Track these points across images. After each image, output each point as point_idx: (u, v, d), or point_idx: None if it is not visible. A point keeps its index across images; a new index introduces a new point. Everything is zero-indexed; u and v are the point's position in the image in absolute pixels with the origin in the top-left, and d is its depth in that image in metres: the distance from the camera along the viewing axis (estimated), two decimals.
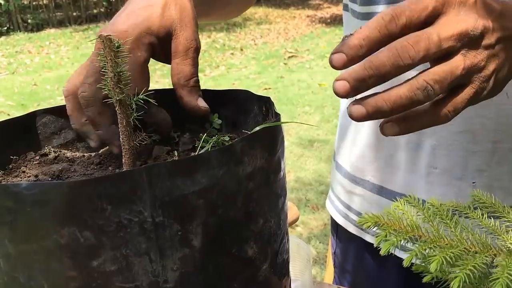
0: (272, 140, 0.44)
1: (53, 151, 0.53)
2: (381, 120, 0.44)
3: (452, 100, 0.43)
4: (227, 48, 6.68)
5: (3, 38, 7.83)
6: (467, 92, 0.43)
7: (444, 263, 0.32)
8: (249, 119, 0.55)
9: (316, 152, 3.47)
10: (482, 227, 0.38)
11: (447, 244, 0.35)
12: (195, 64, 0.53)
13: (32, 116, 0.54)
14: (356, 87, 0.40)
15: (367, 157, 0.83)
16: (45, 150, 0.53)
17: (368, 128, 0.83)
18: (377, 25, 0.41)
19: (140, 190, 0.35)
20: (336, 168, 0.97)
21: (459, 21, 0.41)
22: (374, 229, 0.84)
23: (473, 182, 0.73)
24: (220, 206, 0.38)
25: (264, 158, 0.42)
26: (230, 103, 0.57)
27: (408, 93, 0.40)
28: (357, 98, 0.42)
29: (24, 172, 0.49)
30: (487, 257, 0.34)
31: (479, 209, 0.41)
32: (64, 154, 0.54)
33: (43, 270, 0.35)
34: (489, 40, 0.42)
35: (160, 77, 5.14)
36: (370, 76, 0.40)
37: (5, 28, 8.17)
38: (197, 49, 0.53)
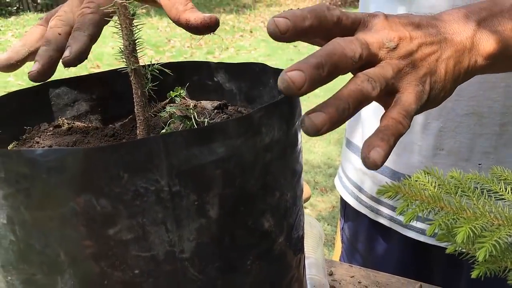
0: (290, 112, 0.43)
1: (67, 123, 0.53)
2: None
3: (399, 106, 0.43)
4: (236, 30, 6.64)
5: (13, 18, 7.83)
6: (409, 96, 0.44)
7: (471, 234, 0.32)
8: (264, 92, 0.54)
9: (325, 135, 3.46)
10: (505, 201, 0.38)
11: (470, 216, 0.34)
12: None
13: (45, 87, 0.53)
14: (313, 75, 0.38)
15: None
16: (59, 122, 0.53)
17: (376, 109, 0.82)
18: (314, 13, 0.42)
19: (156, 159, 0.34)
20: (347, 145, 0.97)
21: (373, 33, 0.43)
22: (389, 204, 0.84)
23: (479, 164, 0.74)
24: (237, 177, 0.38)
25: (281, 130, 0.41)
26: (245, 77, 0.56)
27: (356, 86, 0.40)
28: (307, 111, 0.40)
29: (38, 142, 0.48)
30: (511, 230, 0.33)
31: (502, 183, 0.40)
32: (77, 126, 0.53)
33: (59, 238, 0.35)
34: (408, 47, 0.44)
35: (169, 58, 5.12)
36: (324, 62, 0.39)
37: (15, 8, 8.17)
38: None
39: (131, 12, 0.42)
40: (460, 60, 0.46)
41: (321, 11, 0.41)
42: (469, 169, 0.73)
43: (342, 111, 0.39)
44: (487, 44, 0.47)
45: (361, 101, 0.41)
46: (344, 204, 1.00)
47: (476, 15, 0.48)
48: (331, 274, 0.76)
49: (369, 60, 0.43)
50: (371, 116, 0.85)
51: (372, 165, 0.39)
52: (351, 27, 0.44)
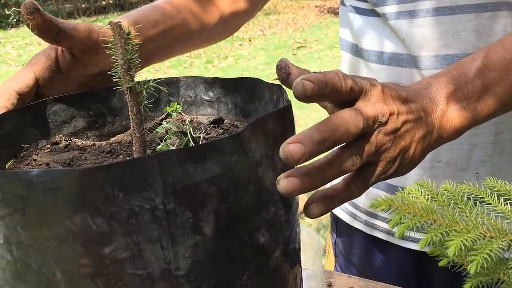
0: (282, 126, 0.43)
1: (64, 140, 0.53)
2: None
3: (361, 177, 0.47)
4: (235, 39, 6.66)
5: (12, 30, 7.87)
6: (374, 170, 0.47)
7: (462, 248, 0.32)
8: (259, 107, 0.55)
9: None
10: (498, 212, 0.38)
11: (462, 229, 0.35)
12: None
13: (42, 105, 0.54)
14: (312, 151, 0.40)
15: None
16: (56, 139, 0.53)
17: None
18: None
19: (151, 177, 0.35)
20: None
21: (372, 106, 0.45)
22: (385, 218, 0.84)
23: (477, 173, 0.75)
24: (231, 193, 0.38)
25: (275, 145, 0.42)
26: (240, 91, 0.57)
27: (338, 162, 0.43)
28: (284, 174, 0.42)
29: (35, 160, 0.49)
30: (503, 242, 0.34)
31: (495, 194, 0.40)
32: (75, 143, 0.54)
33: (55, 257, 0.35)
34: (394, 124, 0.46)
35: (169, 68, 5.14)
36: (326, 138, 0.41)
37: (15, 20, 8.21)
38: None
39: (126, 31, 0.42)
40: (428, 140, 0.50)
41: (339, 80, 0.43)
42: (466, 179, 0.74)
43: (315, 183, 0.42)
44: (452, 122, 0.51)
45: (337, 176, 0.44)
46: (336, 219, 1.00)
47: (444, 89, 0.51)
48: (330, 285, 0.77)
49: (363, 132, 0.45)
50: None
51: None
52: (356, 95, 0.46)
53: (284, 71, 0.47)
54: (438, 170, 0.77)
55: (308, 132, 0.41)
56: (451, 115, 0.51)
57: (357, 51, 0.84)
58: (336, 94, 0.44)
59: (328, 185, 0.54)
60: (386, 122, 0.46)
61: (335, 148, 0.44)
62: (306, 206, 0.45)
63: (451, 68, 0.54)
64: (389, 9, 0.74)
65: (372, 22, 0.79)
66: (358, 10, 0.81)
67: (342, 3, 0.88)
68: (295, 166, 0.41)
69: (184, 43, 0.72)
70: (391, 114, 0.46)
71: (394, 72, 0.76)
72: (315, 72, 0.44)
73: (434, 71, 0.70)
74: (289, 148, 0.39)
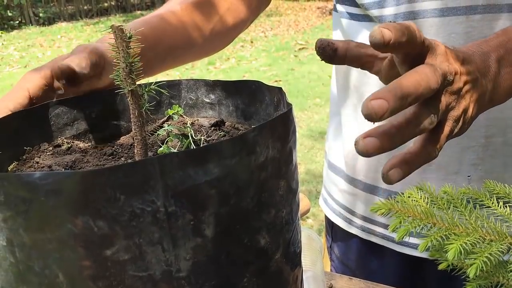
0: (284, 130, 0.44)
1: (66, 142, 0.54)
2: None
3: (435, 138, 0.47)
4: (237, 40, 6.66)
5: (15, 32, 7.89)
6: (444, 129, 0.47)
7: (462, 251, 0.32)
8: (260, 109, 0.55)
9: None
10: (498, 215, 0.38)
11: (462, 232, 0.35)
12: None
13: (45, 107, 0.54)
14: (396, 107, 0.40)
15: (361, 157, 0.83)
16: (58, 141, 0.54)
17: (360, 127, 0.83)
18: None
19: (152, 180, 0.35)
20: (329, 167, 0.97)
21: (440, 63, 0.45)
22: (382, 223, 0.85)
23: (468, 176, 0.75)
24: (232, 196, 0.38)
25: (276, 148, 0.42)
26: (241, 94, 0.57)
27: (417, 121, 0.43)
28: (363, 134, 0.42)
29: (37, 162, 0.49)
30: (502, 245, 0.34)
31: (494, 197, 0.40)
32: (77, 145, 0.54)
33: (57, 259, 0.35)
34: (458, 84, 0.46)
35: (170, 69, 5.14)
36: (409, 94, 0.40)
37: (17, 22, 8.23)
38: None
39: (128, 35, 0.42)
40: (482, 101, 0.50)
41: (414, 31, 0.43)
42: (459, 182, 0.75)
43: (395, 143, 0.42)
44: (503, 85, 0.52)
45: (416, 135, 0.44)
46: (330, 224, 0.99)
47: (495, 53, 0.51)
48: (331, 287, 0.77)
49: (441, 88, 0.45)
50: (351, 139, 0.86)
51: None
52: (425, 50, 0.46)
53: (329, 48, 0.46)
54: (430, 173, 0.77)
55: (391, 87, 0.40)
56: (503, 77, 0.51)
57: None
58: (411, 44, 0.43)
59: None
60: (452, 81, 0.46)
61: (410, 108, 0.43)
62: (385, 172, 0.44)
63: (499, 33, 0.54)
64: (383, 12, 0.74)
65: (365, 27, 0.79)
66: (351, 16, 0.81)
67: (335, 9, 0.88)
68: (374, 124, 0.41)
69: (176, 57, 0.72)
70: (456, 74, 0.46)
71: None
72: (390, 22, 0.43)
73: None
74: (371, 104, 0.39)
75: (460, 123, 0.48)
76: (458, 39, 0.70)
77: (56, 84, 0.55)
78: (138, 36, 0.44)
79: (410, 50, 0.45)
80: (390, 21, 0.43)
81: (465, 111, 0.48)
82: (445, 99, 0.46)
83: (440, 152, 0.76)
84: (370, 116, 0.39)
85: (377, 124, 0.41)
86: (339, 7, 0.85)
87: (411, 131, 0.42)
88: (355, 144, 0.41)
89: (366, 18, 0.78)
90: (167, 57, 0.71)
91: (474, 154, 0.74)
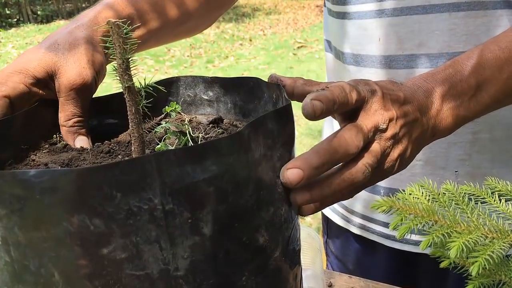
0: (282, 126, 0.43)
1: (62, 140, 0.53)
2: None
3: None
4: (236, 38, 6.66)
5: (13, 29, 7.87)
6: (383, 170, 0.49)
7: (464, 249, 0.32)
8: (259, 106, 0.55)
9: None
10: (500, 213, 0.38)
11: (464, 230, 0.34)
12: (78, 104, 0.53)
13: (41, 106, 0.53)
14: (311, 175, 0.42)
15: None
16: (55, 139, 0.53)
17: None
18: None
19: (149, 178, 0.34)
20: None
21: (372, 115, 0.47)
22: (381, 221, 0.84)
23: (456, 171, 0.76)
24: (230, 193, 0.38)
25: (274, 144, 0.42)
26: (240, 91, 0.56)
27: (350, 177, 0.45)
28: (294, 190, 0.44)
29: (34, 160, 0.48)
30: (504, 243, 0.33)
31: (496, 194, 0.40)
32: None
33: (53, 258, 0.35)
34: (393, 129, 0.48)
35: (169, 67, 5.14)
36: (325, 162, 0.43)
37: (15, 19, 8.22)
38: (82, 88, 0.53)
39: (124, 31, 0.42)
40: (423, 138, 0.52)
41: (345, 96, 0.45)
42: (446, 177, 0.75)
43: (325, 197, 0.45)
44: (446, 120, 0.53)
45: (348, 188, 0.46)
46: (326, 220, 1.00)
47: (440, 87, 0.52)
48: (330, 285, 0.76)
49: (365, 144, 0.46)
50: None
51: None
52: (359, 105, 0.48)
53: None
54: (417, 168, 0.77)
55: (307, 156, 0.43)
56: (445, 114, 0.53)
57: (336, 53, 0.84)
58: (343, 108, 0.45)
59: None
60: (386, 128, 0.48)
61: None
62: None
63: (446, 65, 0.55)
64: (360, 8, 0.75)
65: (346, 24, 0.78)
66: (335, 14, 0.81)
67: (325, 5, 0.89)
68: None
69: (160, 37, 0.71)
70: (390, 120, 0.48)
71: (370, 74, 0.76)
72: (318, 90, 0.45)
73: (410, 71, 0.71)
74: (287, 174, 0.42)
75: (396, 165, 0.50)
76: (442, 36, 0.69)
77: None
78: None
79: (343, 111, 0.48)
80: (323, 88, 0.45)
81: (401, 154, 0.49)
82: (380, 146, 0.47)
83: (427, 148, 0.77)
84: (287, 185, 0.42)
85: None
86: (327, 3, 0.86)
87: (343, 184, 0.45)
88: (290, 198, 0.44)
89: (348, 16, 0.78)
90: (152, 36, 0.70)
91: (461, 149, 0.74)
